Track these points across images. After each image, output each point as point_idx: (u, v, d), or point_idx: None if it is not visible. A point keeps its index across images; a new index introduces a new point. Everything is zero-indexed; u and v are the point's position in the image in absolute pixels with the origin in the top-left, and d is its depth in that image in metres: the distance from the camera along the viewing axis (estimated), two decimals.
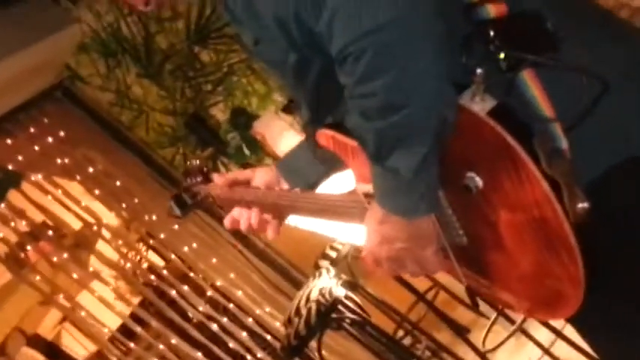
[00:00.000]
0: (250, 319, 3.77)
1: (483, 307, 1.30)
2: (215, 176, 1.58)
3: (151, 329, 3.78)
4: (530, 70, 1.00)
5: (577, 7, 1.19)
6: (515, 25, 1.01)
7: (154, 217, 3.78)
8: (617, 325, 1.14)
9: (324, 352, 3.04)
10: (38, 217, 3.81)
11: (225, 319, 3.74)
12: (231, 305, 3.80)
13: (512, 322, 3.05)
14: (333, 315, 2.96)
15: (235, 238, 3.77)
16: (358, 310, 3.05)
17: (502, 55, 0.99)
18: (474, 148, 1.01)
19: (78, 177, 3.77)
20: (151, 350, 3.83)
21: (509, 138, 0.96)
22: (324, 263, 3.17)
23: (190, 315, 3.76)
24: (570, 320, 1.19)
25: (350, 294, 3.03)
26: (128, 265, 4.04)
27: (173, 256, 3.89)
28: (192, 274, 3.88)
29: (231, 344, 3.73)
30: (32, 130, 3.69)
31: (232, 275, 3.83)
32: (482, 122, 0.98)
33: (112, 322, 3.96)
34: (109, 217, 3.99)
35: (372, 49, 0.96)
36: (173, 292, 3.76)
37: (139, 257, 4.24)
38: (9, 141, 3.61)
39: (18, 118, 3.65)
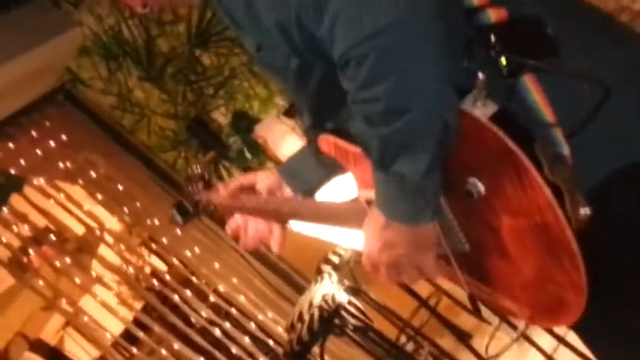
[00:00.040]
0: (253, 325, 3.76)
1: (486, 313, 1.30)
2: (220, 188, 1.57)
3: (153, 334, 3.78)
4: (532, 75, 1.00)
5: (577, 12, 1.19)
6: (515, 30, 1.01)
7: (156, 222, 3.78)
8: (619, 331, 1.14)
9: (326, 357, 3.03)
10: (41, 221, 3.81)
11: (227, 325, 3.74)
12: (233, 310, 3.80)
13: (514, 328, 3.03)
14: (336, 321, 2.95)
15: (238, 243, 3.75)
16: (361, 316, 3.04)
17: (503, 60, 0.98)
18: (476, 153, 1.01)
19: (80, 181, 3.77)
20: (153, 355, 3.83)
21: (511, 143, 0.96)
22: (327, 268, 3.16)
23: (193, 320, 3.75)
24: (573, 327, 1.18)
25: (352, 300, 3.02)
26: (131, 269, 4.03)
27: (175, 261, 3.88)
28: (194, 279, 3.87)
29: (234, 349, 3.72)
30: (34, 133, 3.69)
31: (235, 280, 3.82)
32: (484, 127, 0.98)
33: (114, 327, 3.95)
34: (112, 222, 3.98)
35: (374, 53, 0.96)
36: (176, 297, 3.75)
37: (141, 262, 4.23)
38: (11, 145, 3.61)
39: (20, 122, 3.65)
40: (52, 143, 3.70)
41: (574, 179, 0.95)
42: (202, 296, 3.83)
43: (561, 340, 2.75)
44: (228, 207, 1.56)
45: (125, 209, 3.82)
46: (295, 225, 1.59)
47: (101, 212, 3.90)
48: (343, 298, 2.99)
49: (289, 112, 3.44)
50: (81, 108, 3.82)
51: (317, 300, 2.97)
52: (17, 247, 3.77)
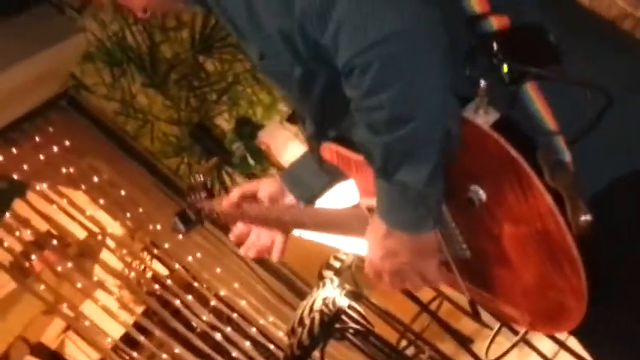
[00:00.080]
0: (254, 329, 3.77)
1: (487, 317, 1.30)
2: (224, 200, 1.57)
3: (154, 338, 3.78)
4: (534, 83, 1.00)
5: (579, 20, 1.19)
6: (518, 37, 1.01)
7: (159, 227, 3.78)
8: (620, 337, 1.14)
9: None
10: (43, 226, 3.82)
11: (228, 329, 3.74)
12: (234, 315, 3.80)
13: (515, 332, 3.04)
14: (337, 325, 2.96)
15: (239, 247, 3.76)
16: (361, 320, 3.05)
17: (505, 68, 0.98)
18: (478, 161, 1.01)
19: (83, 186, 3.78)
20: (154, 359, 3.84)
21: (513, 151, 0.96)
22: (328, 273, 3.17)
23: (194, 324, 3.76)
24: (573, 332, 1.18)
25: (353, 304, 3.03)
26: (132, 274, 4.04)
27: (177, 266, 3.89)
28: (196, 284, 3.88)
29: (235, 354, 3.72)
30: (37, 139, 3.69)
31: (236, 285, 3.82)
32: (486, 135, 0.98)
33: (115, 331, 3.96)
34: (114, 227, 3.99)
35: (379, 61, 0.96)
36: (177, 302, 3.76)
37: (143, 267, 4.24)
38: (14, 150, 3.62)
39: (23, 128, 3.66)
40: (55, 149, 3.71)
41: (575, 186, 0.95)
42: (203, 301, 3.84)
43: (562, 344, 2.76)
44: (230, 215, 1.57)
45: (127, 214, 3.83)
46: (297, 230, 1.60)
47: (103, 217, 3.90)
48: (344, 302, 2.99)
49: (292, 119, 3.43)
50: (84, 114, 3.82)
51: (318, 304, 2.97)
52: (19, 251, 3.78)
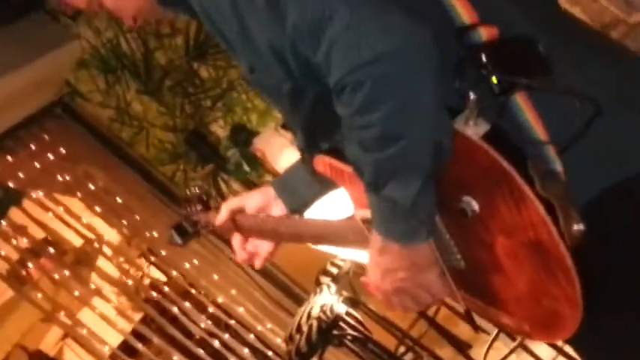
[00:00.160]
0: (252, 336, 3.77)
1: (485, 323, 1.30)
2: (216, 219, 1.58)
3: (152, 346, 3.77)
4: (523, 93, 1.00)
5: (569, 29, 1.19)
6: (507, 48, 1.01)
7: (155, 234, 3.79)
8: (612, 345, 1.14)
9: None
10: (39, 234, 3.82)
11: (226, 336, 3.74)
12: (232, 322, 3.80)
13: (513, 338, 3.04)
14: (335, 332, 2.96)
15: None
16: (359, 327, 3.05)
17: (494, 79, 0.98)
18: (469, 172, 1.01)
19: (79, 194, 3.78)
20: None
21: (504, 162, 0.96)
22: (325, 279, 3.17)
23: (192, 331, 3.75)
24: (568, 341, 1.18)
25: (351, 310, 3.03)
26: (129, 281, 4.04)
27: (174, 273, 3.89)
28: (193, 291, 3.87)
29: None
30: (33, 147, 3.70)
31: (234, 292, 3.82)
32: (476, 146, 0.98)
33: (113, 338, 3.95)
34: (110, 234, 3.99)
35: (371, 80, 0.96)
36: (175, 309, 3.75)
37: (140, 274, 4.23)
38: (9, 158, 3.62)
39: (18, 135, 3.66)
40: (50, 156, 3.71)
41: (567, 195, 0.95)
42: (201, 308, 3.83)
43: (560, 350, 2.76)
44: (226, 228, 1.57)
45: (124, 222, 3.82)
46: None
47: (100, 224, 3.90)
48: (342, 309, 2.99)
49: (287, 125, 3.43)
50: (79, 121, 3.83)
51: (315, 311, 2.97)
52: (16, 259, 3.77)
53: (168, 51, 3.62)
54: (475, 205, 1.02)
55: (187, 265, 3.83)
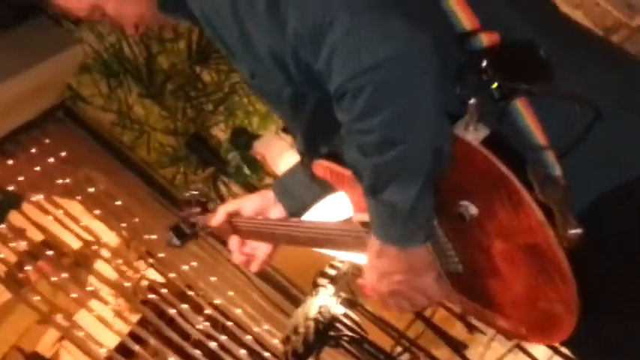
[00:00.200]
0: (249, 337, 3.76)
1: (481, 323, 1.30)
2: (212, 221, 1.58)
3: (149, 347, 3.77)
4: (524, 99, 1.01)
5: (568, 33, 1.20)
6: (508, 54, 1.01)
7: (154, 237, 3.78)
8: (608, 349, 1.15)
9: None
10: (38, 236, 3.82)
11: (224, 337, 3.74)
12: (230, 323, 3.80)
13: (509, 338, 3.05)
14: (331, 333, 2.97)
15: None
16: (356, 328, 3.06)
17: (495, 85, 0.99)
18: (468, 176, 1.02)
19: (78, 197, 3.77)
20: None
21: (503, 167, 0.97)
22: (323, 281, 3.18)
23: (189, 333, 3.76)
24: (566, 343, 1.19)
25: (348, 312, 3.04)
26: (127, 284, 4.05)
27: (172, 275, 3.90)
28: (191, 293, 3.88)
29: None
30: (33, 150, 3.68)
31: (231, 293, 3.82)
32: (476, 151, 0.99)
33: (110, 340, 3.95)
34: (109, 237, 3.99)
35: (371, 85, 0.96)
36: (172, 311, 3.76)
37: (137, 276, 4.24)
38: (10, 162, 3.61)
39: (19, 139, 3.65)
40: (51, 160, 3.70)
41: (566, 200, 0.96)
42: (198, 309, 3.84)
43: (556, 350, 2.77)
44: (224, 230, 1.57)
45: (123, 224, 3.82)
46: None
47: (98, 227, 3.90)
48: (339, 310, 3.00)
49: (287, 129, 3.44)
50: (81, 125, 3.82)
51: (313, 312, 2.98)
52: (14, 262, 3.77)
53: (171, 55, 3.61)
54: (474, 210, 1.02)
55: (185, 267, 3.83)
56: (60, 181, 3.70)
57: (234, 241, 1.56)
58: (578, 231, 0.95)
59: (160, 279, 4.18)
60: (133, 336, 3.83)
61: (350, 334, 3.02)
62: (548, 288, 1.02)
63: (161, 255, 3.85)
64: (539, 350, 2.98)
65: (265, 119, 3.64)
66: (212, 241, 3.71)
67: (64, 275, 3.77)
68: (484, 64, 1.00)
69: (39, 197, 3.66)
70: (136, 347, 3.73)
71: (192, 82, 3.63)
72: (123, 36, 3.55)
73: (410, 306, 1.21)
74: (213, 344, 3.71)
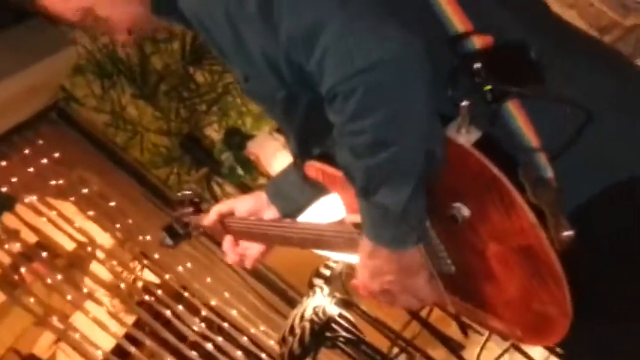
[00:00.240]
0: (245, 338, 3.76)
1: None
2: (204, 220, 1.58)
3: (145, 349, 3.76)
4: (516, 101, 1.01)
5: (560, 34, 1.20)
6: (500, 56, 1.01)
7: (148, 238, 3.78)
8: (600, 350, 1.15)
9: None
10: (32, 238, 3.81)
11: (220, 339, 3.74)
12: (225, 324, 3.80)
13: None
14: (327, 334, 2.96)
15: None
16: (352, 329, 3.06)
17: (488, 87, 0.99)
18: (460, 179, 1.02)
19: (72, 198, 3.76)
20: None
21: (495, 169, 0.97)
22: (318, 281, 3.17)
23: (185, 334, 3.75)
24: (559, 344, 1.18)
25: (344, 312, 3.03)
26: (122, 285, 4.04)
27: (167, 276, 3.89)
28: (186, 294, 3.87)
29: None
30: (27, 151, 3.68)
31: (227, 294, 3.82)
32: (468, 154, 0.99)
33: (106, 342, 3.94)
34: (103, 238, 3.98)
35: (363, 87, 0.96)
36: (168, 312, 3.75)
37: (133, 277, 4.23)
38: (3, 163, 3.60)
39: (12, 140, 3.64)
40: (44, 161, 3.70)
41: (558, 202, 0.96)
42: (194, 310, 3.83)
43: (552, 350, 2.76)
44: (217, 230, 1.58)
45: (117, 225, 3.82)
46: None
47: (93, 228, 3.90)
48: (334, 310, 3.00)
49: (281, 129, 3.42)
50: (74, 126, 3.81)
51: (308, 313, 2.98)
52: (8, 264, 3.76)
53: (165, 56, 3.61)
54: (466, 212, 1.02)
55: (180, 268, 3.82)
56: (53, 182, 3.70)
57: (227, 241, 1.56)
58: (570, 233, 0.95)
59: (155, 280, 4.17)
60: (129, 338, 3.82)
61: (346, 334, 3.02)
62: (542, 290, 1.02)
63: (156, 256, 3.83)
64: (535, 351, 2.98)
65: (259, 120, 3.64)
66: (206, 242, 3.70)
67: (59, 277, 3.75)
68: (476, 66, 1.00)
69: (32, 198, 3.65)
70: (132, 349, 3.72)
71: (186, 82, 3.63)
72: None
73: (397, 304, 1.22)
74: (209, 346, 3.70)
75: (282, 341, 2.99)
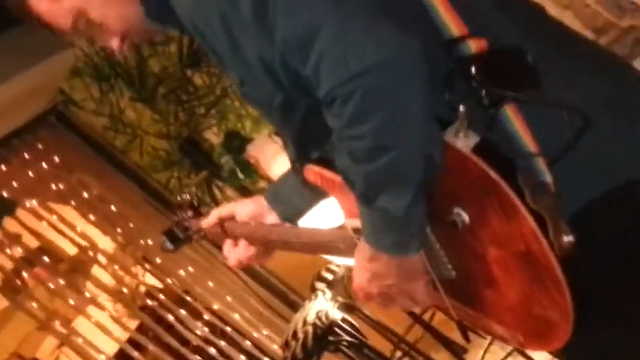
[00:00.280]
0: (248, 342, 3.76)
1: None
2: (204, 222, 1.59)
3: (148, 354, 3.76)
4: (513, 105, 1.00)
5: (557, 37, 1.19)
6: (496, 60, 1.01)
7: (150, 242, 3.77)
8: (599, 355, 1.15)
9: None
10: (33, 243, 3.80)
11: (223, 343, 3.73)
12: (228, 328, 3.79)
13: None
14: (330, 338, 2.96)
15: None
16: (355, 333, 3.05)
17: (484, 92, 0.98)
18: (459, 184, 1.01)
19: (73, 202, 3.76)
20: None
21: (494, 174, 0.96)
22: (321, 285, 3.16)
23: (188, 339, 3.74)
24: (560, 350, 1.16)
25: (346, 316, 3.02)
26: (125, 289, 4.03)
27: (169, 280, 3.88)
28: (189, 298, 3.87)
29: None
30: (26, 155, 3.68)
31: (229, 298, 3.82)
32: (467, 159, 0.98)
33: (109, 347, 3.93)
34: (105, 242, 3.98)
35: (361, 91, 0.96)
36: (170, 317, 3.74)
37: (135, 281, 4.23)
38: (3, 167, 3.60)
39: (12, 144, 3.64)
40: (44, 165, 3.69)
41: (557, 207, 0.95)
42: (197, 315, 3.83)
43: (556, 355, 2.75)
44: (217, 234, 1.58)
45: (118, 229, 3.81)
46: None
47: (94, 233, 3.89)
48: (337, 314, 2.99)
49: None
50: (73, 129, 3.81)
51: (311, 317, 2.97)
52: (10, 269, 3.76)
53: (162, 58, 3.60)
54: (465, 217, 1.02)
55: (182, 273, 3.82)
56: (53, 186, 3.69)
57: (228, 245, 1.57)
58: (571, 238, 0.94)
59: (157, 284, 4.17)
60: (132, 342, 3.81)
61: (349, 338, 3.01)
62: (543, 295, 1.02)
63: (158, 260, 3.83)
64: (539, 355, 2.95)
65: (258, 122, 3.63)
66: (208, 246, 3.70)
67: (61, 281, 3.75)
68: (473, 70, 1.00)
69: (33, 203, 3.64)
70: (135, 354, 3.71)
71: (184, 85, 3.62)
72: None
73: (392, 306, 1.23)
74: (212, 350, 3.70)
75: (285, 345, 2.99)
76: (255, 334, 3.77)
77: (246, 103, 3.58)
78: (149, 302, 3.85)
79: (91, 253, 3.90)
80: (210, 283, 3.83)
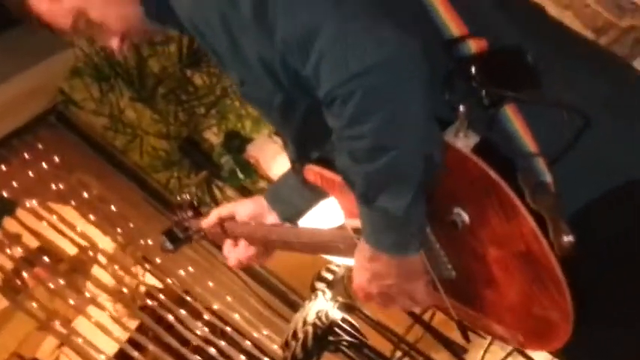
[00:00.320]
0: (248, 342, 3.76)
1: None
2: (204, 222, 1.59)
3: (148, 354, 3.76)
4: (513, 105, 1.00)
5: (557, 37, 1.19)
6: (496, 60, 1.01)
7: (150, 242, 3.77)
8: (599, 355, 1.15)
9: None
10: (33, 243, 3.80)
11: (223, 343, 3.73)
12: (228, 328, 3.79)
13: None
14: (330, 338, 2.96)
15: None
16: (355, 333, 3.05)
17: (484, 92, 0.98)
18: (460, 184, 1.01)
19: (73, 202, 3.76)
20: None
21: (494, 174, 0.96)
22: (320, 285, 3.16)
23: (188, 339, 3.74)
24: (560, 350, 1.17)
25: (346, 316, 3.02)
26: (125, 289, 4.03)
27: (169, 280, 3.88)
28: (189, 298, 3.87)
29: None
30: (26, 156, 3.68)
31: (229, 298, 3.82)
32: (467, 159, 0.98)
33: (109, 347, 3.93)
34: (105, 242, 3.98)
35: (361, 91, 0.96)
36: (170, 317, 3.74)
37: (135, 281, 4.23)
38: (3, 167, 3.60)
39: (12, 144, 3.64)
40: (44, 165, 3.69)
41: (557, 207, 0.95)
42: (197, 315, 3.82)
43: (556, 355, 2.75)
44: (217, 234, 1.58)
45: (118, 229, 3.81)
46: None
47: (94, 233, 3.89)
48: (337, 314, 2.99)
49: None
50: (73, 129, 3.81)
51: (311, 317, 2.97)
52: (10, 269, 3.76)
53: (162, 58, 3.60)
54: (465, 217, 1.02)
55: (182, 273, 3.82)
56: (53, 186, 3.69)
57: (228, 245, 1.57)
58: (571, 238, 0.94)
59: (157, 284, 4.17)
60: (132, 342, 3.81)
61: (349, 338, 3.01)
62: (543, 295, 1.02)
63: (157, 260, 3.83)
64: (539, 355, 2.95)
65: (258, 122, 3.62)
66: (208, 246, 3.70)
67: (61, 281, 3.74)
68: (472, 70, 1.00)
69: (33, 203, 3.64)
70: (135, 354, 3.71)
71: (184, 85, 3.61)
72: None
73: (392, 305, 1.23)
74: (212, 350, 3.69)
75: (285, 345, 2.99)
76: (255, 334, 3.77)
77: (246, 103, 3.58)
78: (149, 302, 3.84)
79: (91, 253, 3.90)
80: (210, 283, 3.83)
